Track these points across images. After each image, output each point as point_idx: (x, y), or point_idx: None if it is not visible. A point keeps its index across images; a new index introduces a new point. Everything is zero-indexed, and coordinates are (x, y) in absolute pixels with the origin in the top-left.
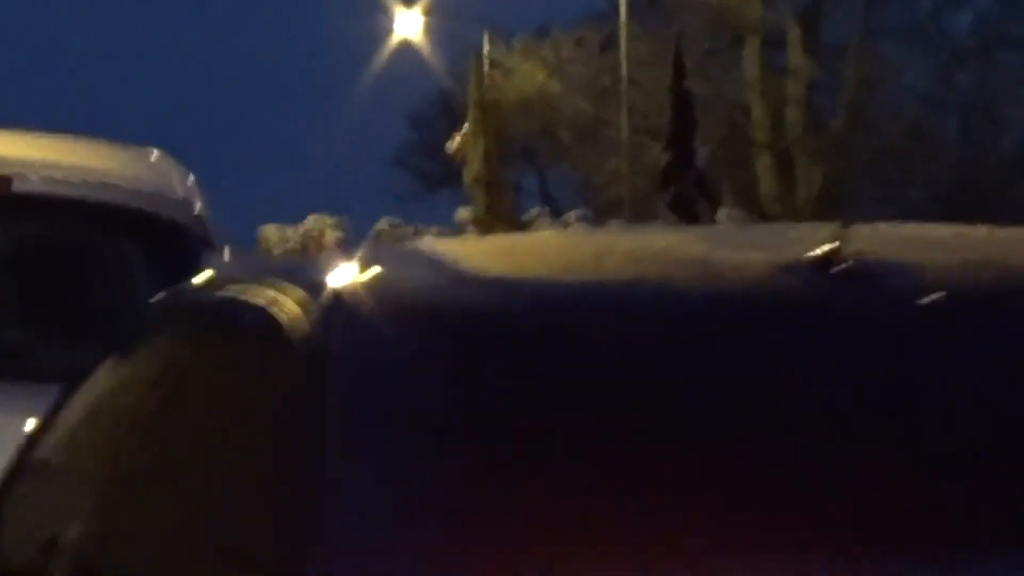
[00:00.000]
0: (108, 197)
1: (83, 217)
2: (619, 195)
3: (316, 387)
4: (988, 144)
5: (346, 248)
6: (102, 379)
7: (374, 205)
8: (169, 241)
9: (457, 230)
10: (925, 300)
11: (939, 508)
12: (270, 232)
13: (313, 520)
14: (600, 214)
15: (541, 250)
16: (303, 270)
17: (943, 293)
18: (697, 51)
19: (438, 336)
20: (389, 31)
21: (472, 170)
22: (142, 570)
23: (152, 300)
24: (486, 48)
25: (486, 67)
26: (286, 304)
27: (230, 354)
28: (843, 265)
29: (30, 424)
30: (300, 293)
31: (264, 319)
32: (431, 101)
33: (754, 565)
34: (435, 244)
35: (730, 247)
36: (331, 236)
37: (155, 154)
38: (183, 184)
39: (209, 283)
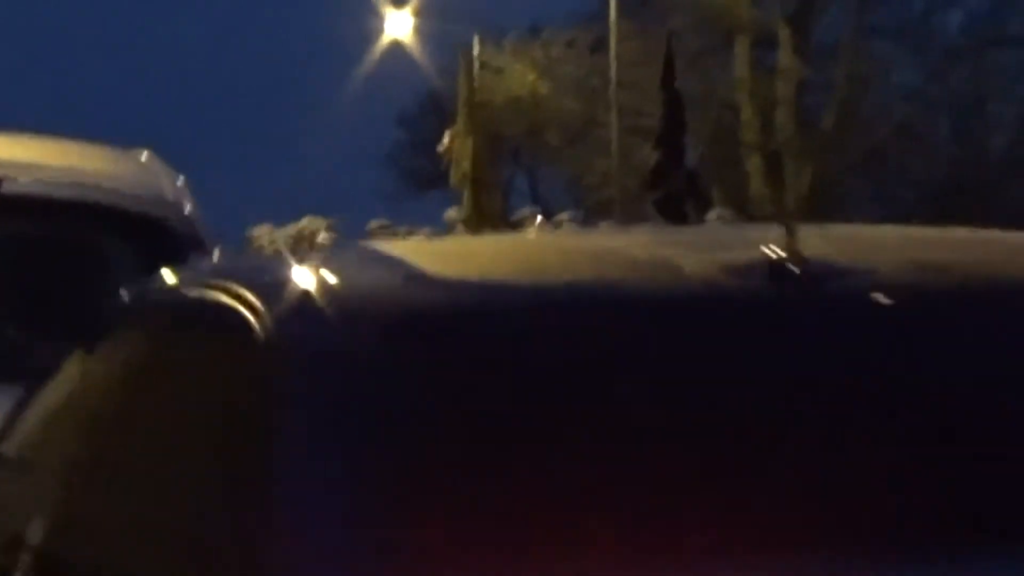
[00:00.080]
0: (97, 198)
1: (72, 218)
2: (610, 195)
3: (274, 383)
4: (979, 143)
5: None
6: (66, 376)
7: (367, 205)
8: (159, 242)
9: (447, 230)
10: (873, 301)
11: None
12: (261, 233)
13: (272, 515)
14: (591, 214)
15: (494, 251)
16: (264, 269)
17: (889, 295)
18: (688, 51)
19: (393, 333)
20: (380, 32)
21: (461, 170)
22: (106, 565)
23: (115, 298)
24: (476, 48)
25: (476, 67)
26: (246, 301)
27: (191, 351)
28: (789, 267)
29: None
30: (260, 291)
31: (224, 316)
32: (421, 101)
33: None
34: (390, 245)
35: (679, 248)
36: (323, 237)
37: (144, 155)
38: (172, 185)
39: (172, 281)
